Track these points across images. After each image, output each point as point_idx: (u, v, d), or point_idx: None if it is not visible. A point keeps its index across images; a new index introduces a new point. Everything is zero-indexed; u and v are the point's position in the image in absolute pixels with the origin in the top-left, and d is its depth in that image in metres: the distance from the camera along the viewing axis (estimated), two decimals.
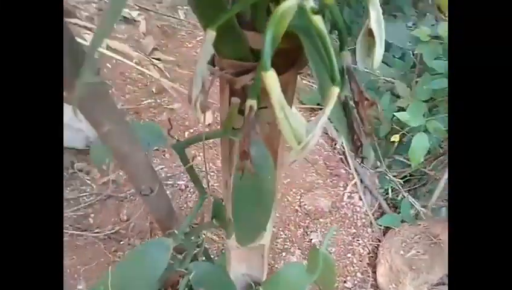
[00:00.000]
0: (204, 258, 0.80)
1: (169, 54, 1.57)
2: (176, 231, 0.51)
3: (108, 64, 1.37)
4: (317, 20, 0.25)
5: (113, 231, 0.98)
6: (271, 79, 0.23)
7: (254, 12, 0.30)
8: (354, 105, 0.33)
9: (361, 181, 1.31)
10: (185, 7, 1.80)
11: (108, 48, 1.39)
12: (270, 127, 0.44)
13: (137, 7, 1.67)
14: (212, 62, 0.35)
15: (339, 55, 0.31)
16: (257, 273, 0.66)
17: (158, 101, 1.35)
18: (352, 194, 1.28)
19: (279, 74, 0.34)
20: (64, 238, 0.95)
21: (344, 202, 1.26)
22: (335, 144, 1.45)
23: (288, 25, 0.29)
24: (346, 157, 1.40)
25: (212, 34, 0.28)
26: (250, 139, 0.32)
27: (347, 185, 1.31)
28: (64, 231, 0.95)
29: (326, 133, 1.50)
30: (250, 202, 0.43)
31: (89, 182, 1.05)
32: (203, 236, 1.02)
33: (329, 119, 0.29)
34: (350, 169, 1.35)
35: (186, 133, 1.29)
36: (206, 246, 1.01)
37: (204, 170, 1.02)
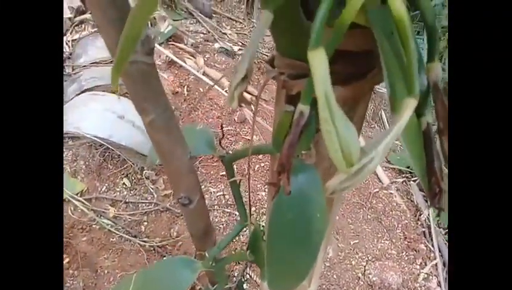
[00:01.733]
0: None
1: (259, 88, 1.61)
2: (206, 254, 0.46)
3: (200, 88, 1.45)
4: (397, 2, 0.19)
5: (160, 243, 0.97)
6: (315, 58, 0.18)
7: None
8: (437, 136, 0.25)
9: (444, 264, 1.11)
10: (264, 62, 1.88)
11: (205, 73, 1.48)
12: (329, 161, 0.37)
13: (240, 43, 1.78)
14: (272, 62, 0.31)
15: (425, 66, 0.24)
16: None
17: (237, 130, 1.37)
18: (430, 277, 1.08)
19: (347, 82, 0.29)
20: (112, 239, 0.97)
21: (418, 284, 1.06)
22: (420, 214, 1.27)
23: (363, 16, 0.23)
24: (430, 232, 1.20)
25: (268, 15, 0.24)
26: (292, 150, 0.26)
27: (426, 264, 1.11)
28: (114, 232, 0.98)
29: (412, 201, 1.33)
30: (289, 241, 0.36)
31: (152, 190, 1.08)
32: (246, 276, 0.96)
33: (410, 172, 0.22)
34: (433, 247, 1.15)
35: (257, 167, 1.27)
36: (246, 287, 0.94)
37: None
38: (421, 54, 0.25)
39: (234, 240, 0.98)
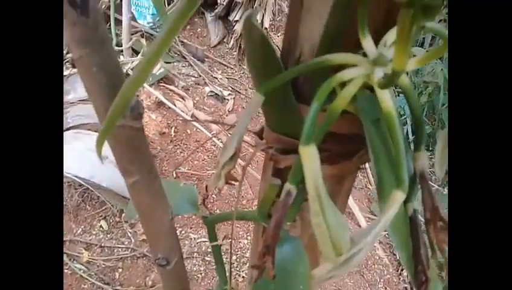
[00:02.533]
0: None
1: (247, 134, 1.62)
2: None
3: (188, 130, 1.45)
4: (385, 96, 0.19)
5: None
6: (307, 155, 0.18)
7: (313, 84, 0.26)
8: (424, 224, 0.25)
9: None
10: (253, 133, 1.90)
11: (193, 116, 1.49)
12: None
13: (230, 88, 1.82)
14: (261, 134, 0.31)
15: (412, 155, 0.24)
16: None
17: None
18: None
19: (335, 161, 0.29)
20: (84, 287, 0.91)
21: None
22: (402, 269, 1.25)
23: (352, 104, 0.24)
24: (412, 289, 1.18)
25: (259, 97, 0.24)
26: (278, 231, 0.25)
27: None
28: (86, 278, 0.92)
29: (394, 254, 1.32)
30: None
31: (130, 235, 1.04)
32: None
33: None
34: None
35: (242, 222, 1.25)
36: None
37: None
38: (407, 143, 0.25)
39: None
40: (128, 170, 0.32)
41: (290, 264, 0.33)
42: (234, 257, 1.07)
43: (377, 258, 1.29)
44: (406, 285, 1.20)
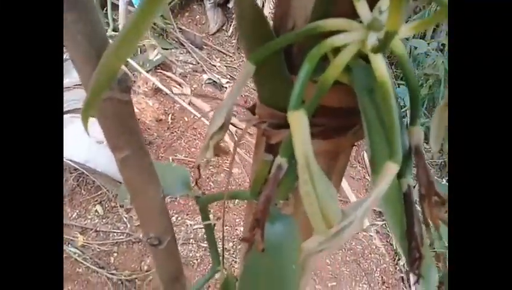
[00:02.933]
0: None
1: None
2: None
3: (185, 117, 1.44)
4: (380, 64, 0.18)
5: (128, 277, 0.92)
6: (296, 121, 0.17)
7: (306, 55, 0.25)
8: (418, 200, 0.25)
9: None
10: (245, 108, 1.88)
11: (191, 103, 1.48)
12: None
13: (228, 76, 1.80)
14: (253, 109, 0.30)
15: (407, 129, 0.24)
16: None
17: (220, 161, 1.35)
18: None
19: (328, 136, 0.28)
20: (79, 270, 0.91)
21: None
22: (399, 259, 1.25)
23: (345, 74, 0.23)
24: (408, 278, 1.19)
25: (250, 67, 0.23)
26: (268, 205, 0.25)
27: None
28: (81, 262, 0.92)
29: (391, 244, 1.32)
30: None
31: (125, 220, 1.04)
32: None
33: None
34: None
35: (236, 201, 1.24)
36: None
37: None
38: (402, 117, 0.24)
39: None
40: (118, 145, 0.31)
41: (282, 242, 0.32)
42: (230, 244, 1.07)
43: (374, 247, 1.29)
44: (402, 274, 1.20)
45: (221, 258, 0.43)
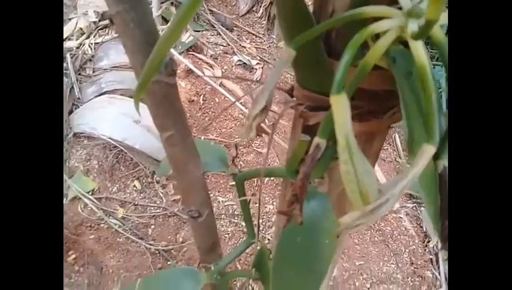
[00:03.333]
0: None
1: (275, 104, 1.62)
2: (212, 267, 0.47)
3: (216, 98, 1.47)
4: (419, 48, 0.19)
5: (165, 248, 0.98)
6: (338, 103, 0.18)
7: (346, 39, 0.26)
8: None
9: None
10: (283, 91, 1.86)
11: (221, 85, 1.50)
12: (343, 186, 0.37)
13: (258, 58, 1.80)
14: (291, 92, 0.31)
15: (444, 111, 0.24)
16: None
17: (250, 141, 1.37)
18: None
19: (364, 119, 0.29)
20: (119, 240, 0.98)
21: None
22: (428, 241, 1.25)
23: (384, 58, 0.24)
24: (438, 260, 1.18)
25: (290, 52, 0.24)
26: (306, 182, 0.26)
27: None
28: (121, 232, 0.98)
29: (421, 226, 1.31)
30: (295, 265, 0.36)
31: (161, 195, 1.09)
32: (249, 287, 0.95)
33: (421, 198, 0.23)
34: (439, 275, 1.13)
35: (266, 180, 1.27)
36: None
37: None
38: (440, 98, 0.25)
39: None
40: (164, 125, 0.34)
41: (316, 219, 0.34)
42: (260, 221, 1.10)
43: (403, 229, 1.28)
44: (431, 256, 1.20)
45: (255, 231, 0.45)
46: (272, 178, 1.27)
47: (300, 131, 0.32)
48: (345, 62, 0.19)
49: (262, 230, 1.11)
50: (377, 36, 0.21)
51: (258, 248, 0.45)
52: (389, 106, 0.28)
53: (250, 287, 0.97)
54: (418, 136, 0.24)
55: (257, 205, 1.10)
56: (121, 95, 1.18)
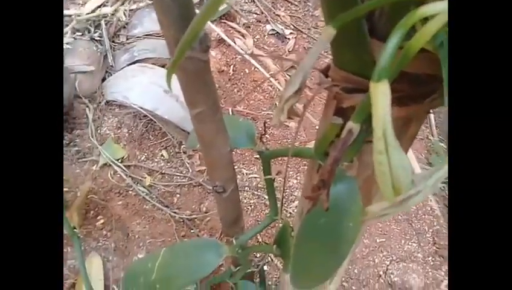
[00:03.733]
0: (258, 280, 0.75)
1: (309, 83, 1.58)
2: (233, 240, 0.48)
3: (246, 70, 1.45)
4: None
5: (189, 216, 1.01)
6: (378, 91, 0.17)
7: (391, 19, 0.24)
8: None
9: None
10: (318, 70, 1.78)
11: (252, 54, 1.47)
12: (371, 169, 0.37)
13: (292, 27, 1.74)
14: (326, 72, 0.30)
15: None
16: None
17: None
18: None
19: (403, 103, 0.28)
20: (146, 207, 1.02)
21: None
22: None
23: (432, 42, 0.22)
24: None
25: (330, 31, 0.23)
26: (335, 167, 0.26)
27: None
28: (148, 200, 1.02)
29: (447, 206, 1.28)
30: (317, 245, 0.36)
31: (188, 165, 1.11)
32: (268, 259, 0.98)
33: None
34: None
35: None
36: (266, 269, 0.96)
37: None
38: None
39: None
40: (194, 101, 0.34)
41: (342, 202, 0.33)
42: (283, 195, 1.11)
43: (429, 209, 1.26)
44: None
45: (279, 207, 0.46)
46: (290, 160, 1.27)
47: (333, 113, 0.31)
48: (392, 46, 0.17)
49: (285, 204, 1.12)
50: (425, 18, 0.20)
51: (281, 224, 0.45)
52: (429, 90, 0.27)
53: (269, 258, 0.99)
54: None
55: (281, 179, 1.11)
56: (152, 64, 1.19)
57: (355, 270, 1.05)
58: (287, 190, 1.17)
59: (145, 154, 1.12)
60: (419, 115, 0.29)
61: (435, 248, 1.15)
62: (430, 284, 1.04)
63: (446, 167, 0.21)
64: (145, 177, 1.08)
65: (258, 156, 1.30)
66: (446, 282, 1.05)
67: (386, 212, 0.23)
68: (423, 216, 1.23)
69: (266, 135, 1.31)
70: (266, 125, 0.37)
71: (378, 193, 0.38)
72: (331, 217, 0.34)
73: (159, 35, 1.28)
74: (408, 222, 1.21)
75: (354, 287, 1.01)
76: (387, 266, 1.07)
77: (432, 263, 1.10)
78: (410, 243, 1.14)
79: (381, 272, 1.06)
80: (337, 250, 0.35)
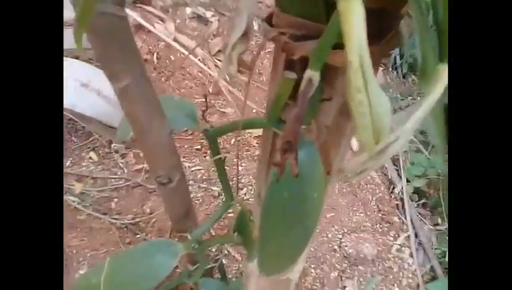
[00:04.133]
0: (219, 276, 0.70)
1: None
2: (188, 236, 0.43)
3: (171, 57, 1.36)
4: None
5: (132, 221, 0.92)
6: (350, 10, 0.14)
7: None
8: None
9: (416, 236, 1.14)
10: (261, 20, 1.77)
11: (175, 40, 1.39)
12: (328, 132, 0.34)
13: (213, 9, 1.68)
14: (270, 20, 0.26)
15: None
16: None
17: (212, 101, 1.30)
18: (403, 248, 1.11)
19: None
20: (80, 217, 0.91)
21: (391, 254, 1.09)
22: (393, 188, 1.29)
23: None
24: (403, 205, 1.23)
25: None
26: (299, 125, 0.22)
27: (398, 235, 1.14)
28: (81, 209, 0.91)
29: (385, 174, 1.35)
30: (284, 221, 0.33)
31: (122, 165, 1.02)
32: (225, 251, 0.93)
33: None
34: (405, 219, 1.18)
35: (232, 140, 1.22)
36: (224, 262, 0.92)
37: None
38: None
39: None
40: (116, 72, 0.28)
41: (304, 169, 0.30)
42: (231, 183, 1.07)
43: (369, 178, 1.32)
44: (397, 202, 1.24)
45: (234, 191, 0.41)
46: (238, 138, 1.23)
47: (283, 67, 0.27)
48: None
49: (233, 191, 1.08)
50: None
51: (239, 210, 0.41)
52: (386, 28, 0.24)
53: (226, 251, 0.95)
54: (430, 60, 0.20)
55: (228, 166, 1.06)
56: (65, 56, 1.05)
57: (311, 249, 1.05)
58: (234, 178, 1.13)
59: (70, 159, 1.00)
60: (377, 58, 0.27)
61: (380, 215, 1.20)
62: (382, 250, 1.09)
63: (424, 105, 0.19)
64: (74, 185, 0.96)
65: (198, 147, 1.23)
66: (396, 247, 1.11)
67: (365, 166, 0.20)
68: (366, 186, 1.28)
69: (214, 114, 1.25)
70: (207, 100, 0.32)
71: (337, 156, 0.35)
72: (294, 188, 0.30)
73: (68, 25, 1.13)
74: (353, 194, 1.25)
75: (313, 265, 1.02)
76: (341, 239, 1.09)
77: (380, 230, 1.15)
78: (357, 214, 1.18)
79: (336, 246, 1.08)
80: (305, 223, 0.33)
